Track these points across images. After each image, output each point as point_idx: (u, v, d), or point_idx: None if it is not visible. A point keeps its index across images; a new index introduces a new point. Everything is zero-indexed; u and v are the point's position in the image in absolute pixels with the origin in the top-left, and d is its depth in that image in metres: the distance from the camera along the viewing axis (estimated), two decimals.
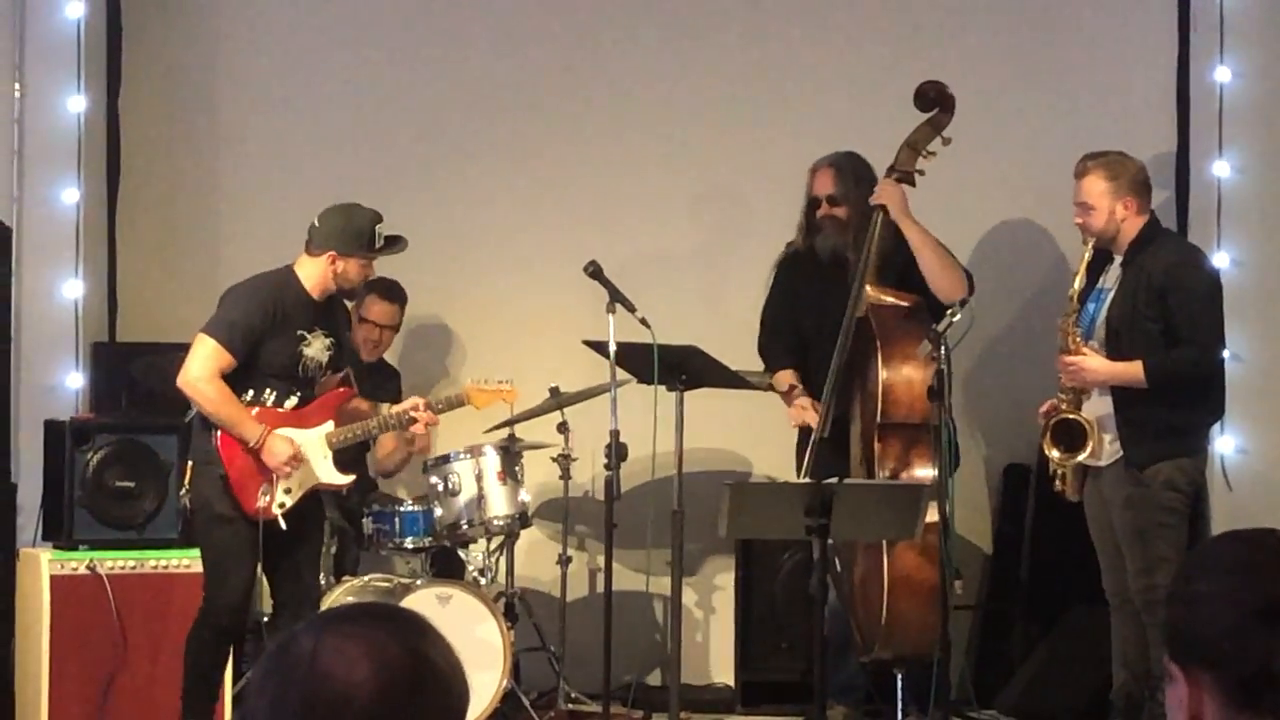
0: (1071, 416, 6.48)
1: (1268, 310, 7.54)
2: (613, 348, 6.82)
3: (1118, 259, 6.58)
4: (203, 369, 6.27)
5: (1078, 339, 6.47)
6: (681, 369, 7.13)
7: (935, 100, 7.00)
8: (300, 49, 8.27)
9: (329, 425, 6.52)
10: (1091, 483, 6.57)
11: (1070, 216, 6.66)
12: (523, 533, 7.34)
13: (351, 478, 6.69)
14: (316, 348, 6.45)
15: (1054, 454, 6.52)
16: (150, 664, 6.80)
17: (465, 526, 7.11)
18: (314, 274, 6.41)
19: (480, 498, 7.09)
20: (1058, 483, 6.60)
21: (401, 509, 7.23)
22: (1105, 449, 6.49)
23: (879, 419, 6.85)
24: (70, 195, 7.55)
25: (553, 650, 7.43)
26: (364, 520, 7.26)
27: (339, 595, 6.93)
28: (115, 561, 6.85)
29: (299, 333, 6.40)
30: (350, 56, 8.26)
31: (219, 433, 6.33)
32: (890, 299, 7.01)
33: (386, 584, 7.11)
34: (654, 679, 7.96)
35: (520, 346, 8.00)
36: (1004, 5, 8.25)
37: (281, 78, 8.24)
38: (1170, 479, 6.42)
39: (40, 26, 7.54)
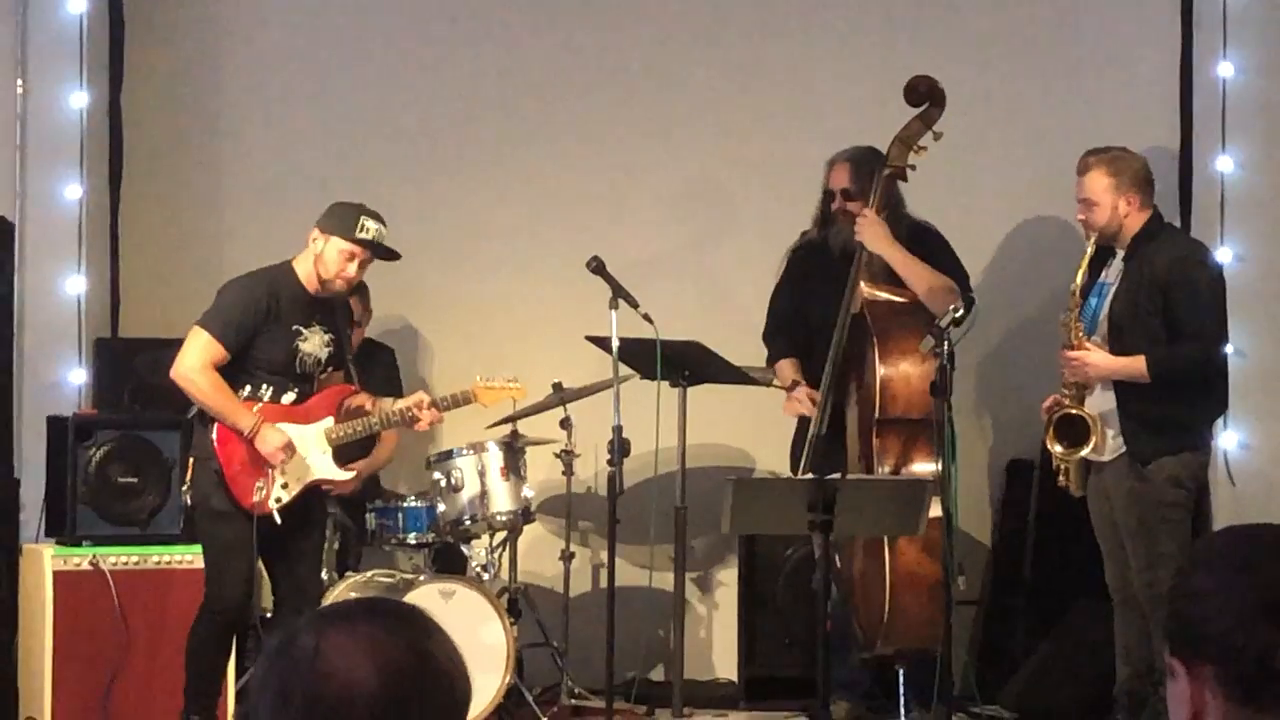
0: (1074, 412, 6.48)
1: (1271, 305, 7.53)
2: (615, 343, 6.82)
3: (1120, 254, 6.58)
4: (195, 360, 6.30)
5: (1080, 334, 6.46)
6: (684, 365, 7.13)
7: (926, 95, 6.99)
8: (302, 43, 8.27)
9: (328, 421, 6.52)
10: (1094, 478, 6.57)
11: (1073, 212, 6.66)
12: (525, 528, 7.34)
13: (353, 474, 6.69)
14: (314, 343, 6.45)
15: (1057, 449, 6.52)
16: (153, 660, 6.80)
17: (468, 522, 7.10)
18: (308, 267, 6.42)
19: (483, 493, 7.09)
20: (1061, 478, 6.60)
21: (404, 504, 7.24)
22: (1108, 444, 6.48)
23: (877, 415, 6.84)
24: (73, 191, 7.55)
25: (556, 646, 7.44)
26: (367, 515, 7.26)
27: (341, 591, 6.93)
28: (118, 557, 6.85)
29: (295, 328, 6.40)
30: (353, 51, 8.26)
31: (216, 428, 6.34)
32: (886, 294, 7.01)
33: (389, 579, 7.10)
34: (657, 674, 7.96)
35: (523, 342, 8.00)
36: (1006, 0, 8.25)
37: (284, 72, 8.23)
38: (1173, 474, 6.42)
39: (42, 21, 7.54)
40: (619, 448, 6.81)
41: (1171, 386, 6.39)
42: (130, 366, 7.49)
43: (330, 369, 6.57)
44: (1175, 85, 7.94)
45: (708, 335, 7.25)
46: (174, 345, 6.49)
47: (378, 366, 7.58)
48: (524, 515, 7.19)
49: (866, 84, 8.04)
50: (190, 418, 6.59)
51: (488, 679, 6.70)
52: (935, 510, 6.13)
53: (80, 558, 6.82)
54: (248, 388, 6.38)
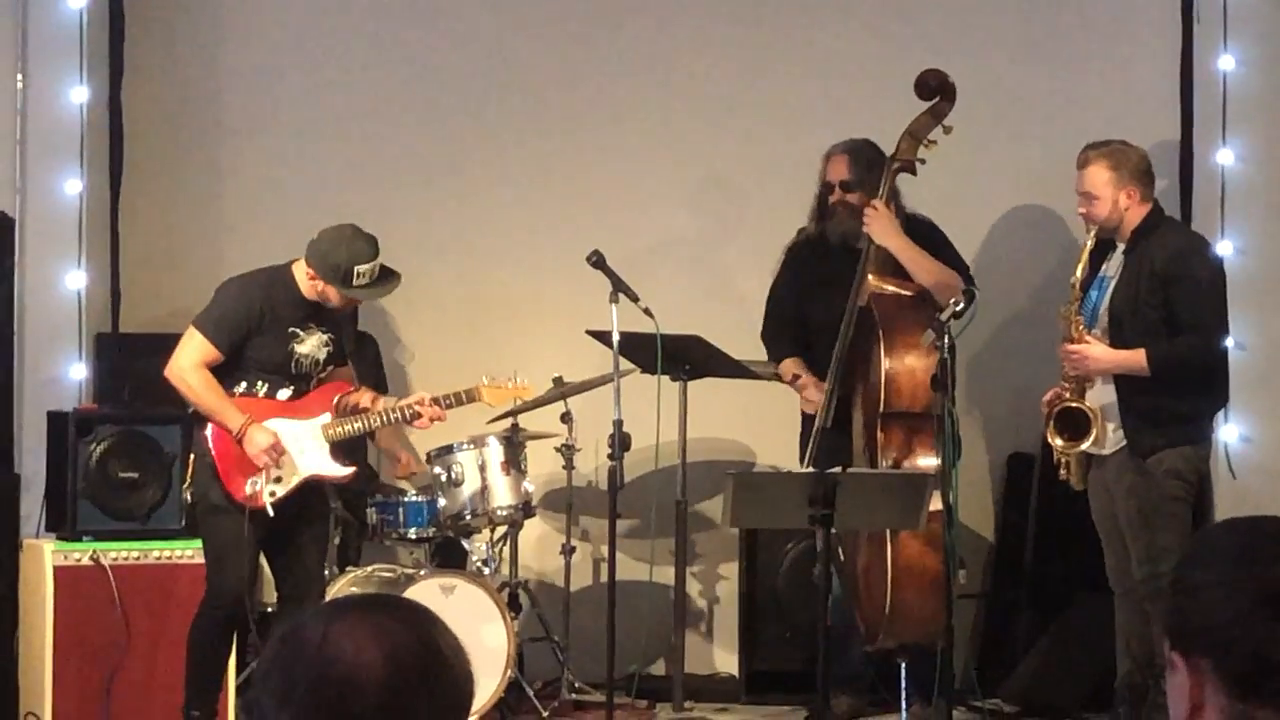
0: (1075, 405, 6.48)
1: (1271, 298, 7.52)
2: (616, 338, 6.81)
3: (1120, 247, 6.58)
4: (187, 360, 6.33)
5: (1081, 327, 6.46)
6: (685, 359, 7.13)
7: (936, 89, 6.99)
8: (303, 38, 8.26)
9: (325, 417, 6.52)
10: (1095, 471, 6.57)
11: (1073, 205, 6.66)
12: (526, 523, 7.34)
13: (351, 470, 6.67)
14: (311, 345, 6.45)
15: (1058, 443, 6.52)
16: (153, 655, 6.80)
17: (469, 517, 7.10)
18: (306, 280, 6.42)
19: (484, 488, 7.09)
20: (1062, 471, 6.59)
21: (405, 499, 7.24)
22: (1109, 437, 6.48)
23: (881, 408, 6.84)
24: (73, 186, 7.54)
25: (557, 640, 7.44)
26: (368, 510, 7.26)
27: (343, 585, 6.93)
28: (118, 552, 6.84)
29: (291, 330, 6.40)
30: (354, 46, 8.25)
31: (211, 424, 6.35)
32: (893, 288, 7.00)
33: (390, 574, 7.10)
34: (658, 668, 7.95)
35: (523, 337, 7.99)
36: None
37: (285, 68, 8.23)
38: (1174, 467, 6.42)
39: (42, 16, 7.53)
40: (619, 442, 6.80)
41: (1172, 380, 6.39)
42: (131, 361, 7.47)
43: (331, 367, 6.57)
44: (1176, 78, 7.94)
45: (710, 329, 7.24)
46: (174, 340, 6.49)
47: (361, 361, 7.52)
48: (525, 510, 7.19)
49: (869, 78, 8.04)
50: (192, 413, 6.59)
51: (488, 674, 6.70)
52: (936, 504, 6.12)
53: (81, 553, 6.81)
54: (244, 384, 6.39)
